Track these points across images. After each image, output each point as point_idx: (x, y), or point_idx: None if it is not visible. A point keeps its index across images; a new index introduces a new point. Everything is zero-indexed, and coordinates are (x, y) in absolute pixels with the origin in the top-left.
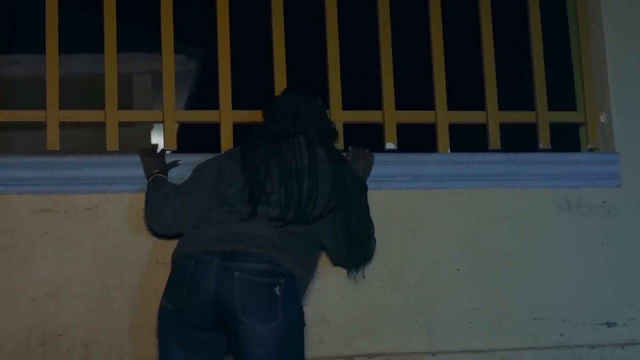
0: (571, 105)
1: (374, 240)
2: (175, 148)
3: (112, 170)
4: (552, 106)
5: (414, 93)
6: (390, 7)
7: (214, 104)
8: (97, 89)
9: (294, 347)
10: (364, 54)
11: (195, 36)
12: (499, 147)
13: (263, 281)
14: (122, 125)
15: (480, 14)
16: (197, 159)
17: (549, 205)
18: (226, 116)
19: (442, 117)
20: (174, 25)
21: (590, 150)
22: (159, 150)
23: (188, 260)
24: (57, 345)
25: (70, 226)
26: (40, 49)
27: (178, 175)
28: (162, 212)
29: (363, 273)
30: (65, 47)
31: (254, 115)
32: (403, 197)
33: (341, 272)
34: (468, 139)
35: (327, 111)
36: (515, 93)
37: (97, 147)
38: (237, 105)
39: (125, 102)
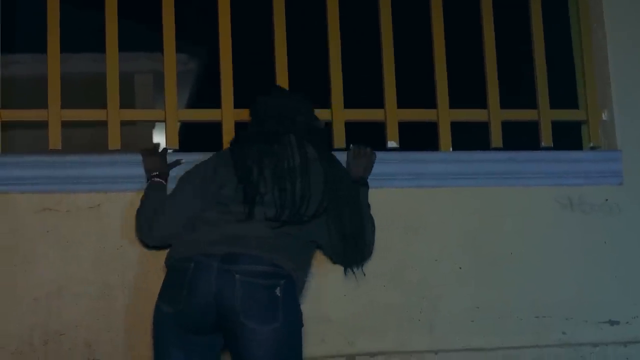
0: (573, 104)
1: (372, 238)
2: (177, 147)
3: (114, 169)
4: (554, 104)
5: (415, 91)
6: (392, 5)
7: (215, 103)
8: (99, 88)
9: (294, 348)
10: (366, 52)
11: (196, 35)
12: (501, 145)
13: (264, 283)
14: (124, 124)
15: (482, 12)
16: (199, 157)
17: (551, 204)
18: (228, 115)
19: (444, 115)
20: (176, 24)
21: (592, 148)
22: (160, 149)
23: (187, 264)
24: (59, 344)
25: (72, 225)
26: (41, 48)
27: (179, 175)
28: (151, 228)
29: (363, 271)
30: (66, 46)
31: None
32: (405, 196)
33: (342, 270)
34: (470, 137)
35: (314, 109)
36: (517, 92)
37: (98, 146)
38: (238, 104)
39: (126, 102)
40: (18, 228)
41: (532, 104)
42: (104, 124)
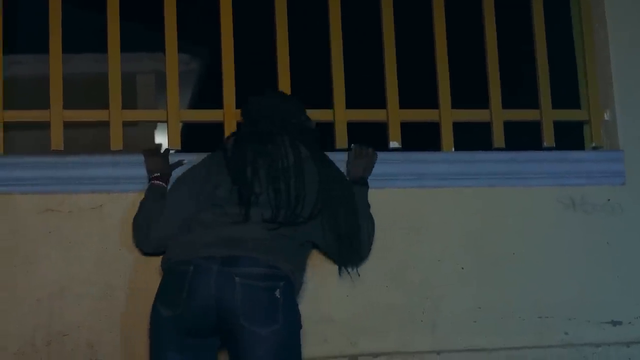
0: (575, 104)
1: (368, 237)
2: (179, 147)
3: (116, 170)
4: (556, 104)
5: (417, 92)
6: (394, 6)
7: (217, 103)
8: (100, 88)
9: (293, 349)
10: (368, 52)
11: (198, 35)
12: (503, 145)
13: (263, 285)
14: (126, 125)
15: (483, 12)
16: (201, 158)
17: (553, 204)
18: (230, 115)
19: (446, 115)
20: (178, 24)
21: (595, 148)
22: (162, 150)
23: (186, 266)
24: (62, 345)
25: (75, 226)
26: (43, 49)
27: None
28: (148, 232)
29: (357, 272)
30: (68, 47)
31: None
32: (407, 196)
33: (344, 271)
34: (472, 138)
35: (305, 110)
36: (518, 92)
37: (100, 147)
38: (240, 104)
39: (128, 102)
40: (20, 229)
41: (533, 104)
42: (106, 124)
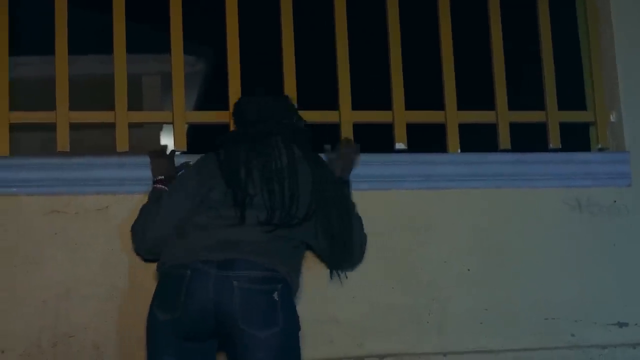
0: (581, 105)
1: (361, 237)
2: (185, 149)
3: (122, 171)
4: (562, 106)
5: (423, 93)
6: (400, 7)
7: (223, 105)
8: (106, 90)
9: (293, 351)
10: (374, 54)
11: (204, 37)
12: (509, 147)
13: (262, 288)
14: (131, 126)
15: (489, 13)
16: None
17: (559, 205)
18: None
19: (452, 117)
20: (183, 25)
21: (601, 149)
22: (168, 151)
23: (183, 270)
24: (68, 346)
25: (81, 227)
26: (48, 50)
27: None
28: (144, 232)
29: (346, 275)
30: (73, 48)
31: None
32: (413, 197)
33: (352, 272)
34: (478, 139)
35: (297, 110)
36: (524, 93)
37: (106, 148)
38: None
39: (134, 103)
40: (26, 230)
41: (536, 105)
42: (111, 126)
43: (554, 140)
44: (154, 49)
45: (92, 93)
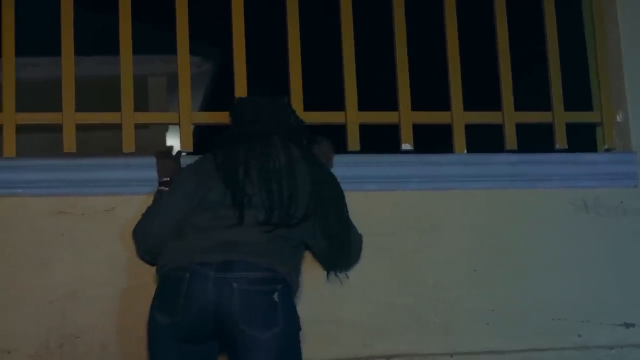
0: (587, 105)
1: (357, 238)
2: (191, 150)
3: (128, 172)
4: (568, 106)
5: (429, 94)
6: (406, 7)
7: (229, 106)
8: (111, 91)
9: (294, 352)
10: (380, 54)
11: (210, 38)
12: (515, 147)
13: (262, 289)
14: (137, 127)
15: (495, 14)
16: None
17: (566, 206)
18: None
19: (458, 117)
20: (189, 26)
21: (607, 150)
22: (174, 152)
23: (182, 273)
24: (75, 347)
25: (87, 228)
26: (54, 51)
27: None
28: (142, 241)
29: (346, 275)
30: (79, 49)
31: None
32: (420, 198)
33: (358, 272)
34: (484, 140)
35: (294, 110)
36: (528, 93)
37: (112, 149)
38: None
39: (140, 104)
40: (33, 231)
41: (541, 106)
42: (117, 126)
43: (560, 140)
44: (160, 50)
45: (98, 94)
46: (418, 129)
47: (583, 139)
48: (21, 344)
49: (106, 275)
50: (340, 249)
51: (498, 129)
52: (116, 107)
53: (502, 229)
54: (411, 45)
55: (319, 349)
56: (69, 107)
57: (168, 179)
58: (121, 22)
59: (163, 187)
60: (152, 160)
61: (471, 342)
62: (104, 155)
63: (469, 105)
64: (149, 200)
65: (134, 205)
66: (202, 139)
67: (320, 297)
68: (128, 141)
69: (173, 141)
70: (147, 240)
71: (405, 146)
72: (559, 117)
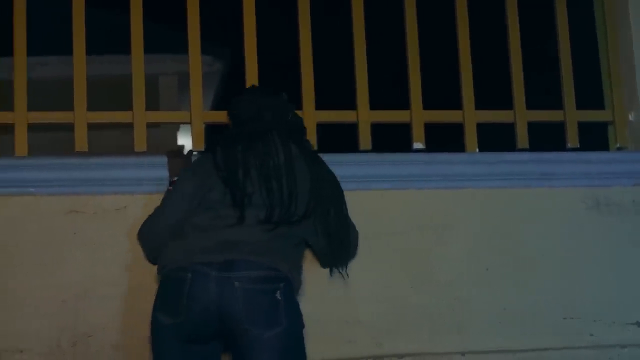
0: (599, 104)
1: (355, 235)
2: (202, 149)
3: (140, 171)
4: (580, 105)
5: (441, 93)
6: (418, 6)
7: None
8: (122, 90)
9: (298, 349)
10: (391, 53)
11: (221, 37)
12: (527, 146)
13: (264, 288)
14: (148, 126)
15: (507, 13)
16: None
17: (578, 205)
18: None
19: (470, 116)
20: (201, 26)
21: (619, 149)
22: (185, 151)
23: (184, 273)
24: (87, 346)
25: (99, 227)
26: (64, 50)
27: None
28: (146, 239)
29: (347, 272)
30: (90, 48)
31: None
32: (431, 197)
33: (371, 271)
34: (496, 138)
35: (293, 107)
36: (539, 92)
37: (123, 148)
38: None
39: (150, 104)
40: (45, 230)
41: (556, 105)
42: (128, 126)
43: (572, 139)
44: (171, 49)
45: (109, 93)
46: (430, 128)
47: (595, 138)
48: (34, 343)
49: (118, 274)
50: (340, 247)
51: (510, 128)
52: (127, 106)
53: (514, 228)
54: (423, 44)
55: (332, 348)
56: (80, 106)
57: (177, 178)
58: (132, 21)
59: (172, 187)
60: (163, 159)
61: (483, 341)
62: (115, 154)
63: (480, 104)
64: (160, 200)
65: (146, 204)
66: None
67: (332, 297)
68: (140, 140)
69: (184, 140)
70: (149, 240)
71: (417, 145)
72: (571, 116)
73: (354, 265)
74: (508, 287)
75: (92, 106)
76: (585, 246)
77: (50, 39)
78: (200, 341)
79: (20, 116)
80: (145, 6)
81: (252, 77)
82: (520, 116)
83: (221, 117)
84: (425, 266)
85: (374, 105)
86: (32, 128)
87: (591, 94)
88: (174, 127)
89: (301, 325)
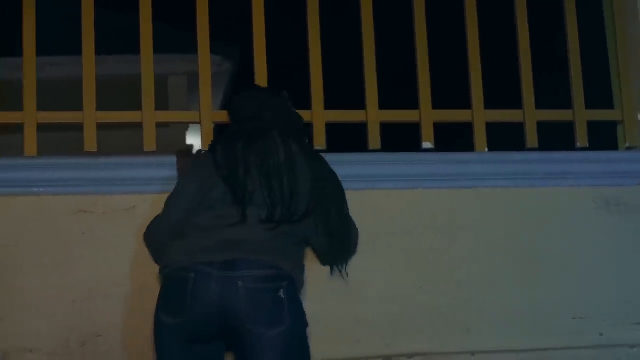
0: (608, 104)
1: (356, 234)
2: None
3: (149, 171)
4: (590, 104)
5: (450, 92)
6: (427, 6)
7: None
8: (132, 90)
9: (302, 348)
10: (400, 53)
11: (230, 37)
12: (536, 145)
13: (267, 287)
14: (158, 126)
15: (516, 12)
16: None
17: (587, 204)
18: None
19: (479, 116)
20: (210, 26)
21: (628, 148)
22: (194, 151)
23: (186, 273)
24: (96, 346)
25: (108, 227)
26: (73, 50)
27: None
28: (151, 238)
29: (346, 271)
30: (100, 48)
31: None
32: (440, 197)
33: (379, 271)
34: (505, 138)
35: (293, 105)
36: (549, 91)
37: (133, 148)
38: None
39: (160, 104)
40: (54, 230)
41: (565, 104)
42: (137, 125)
43: (581, 139)
44: (180, 49)
45: (118, 93)
46: (439, 128)
47: (604, 137)
48: (43, 342)
49: (127, 274)
50: (341, 246)
51: (519, 128)
52: (137, 106)
53: (523, 228)
54: (432, 44)
55: (340, 348)
56: (89, 106)
57: None
58: (142, 21)
59: None
60: (173, 159)
61: (492, 341)
62: (124, 154)
63: (489, 104)
64: None
65: (155, 204)
66: None
67: (341, 297)
68: (149, 140)
69: (193, 140)
70: (152, 241)
71: (426, 145)
72: (580, 116)
73: (361, 264)
74: (517, 287)
75: (101, 106)
76: (594, 246)
77: (59, 39)
78: (203, 341)
79: (30, 116)
80: (155, 6)
81: (261, 77)
82: (530, 116)
83: None
84: (434, 266)
85: (383, 105)
86: (42, 128)
87: (600, 93)
88: (183, 127)
89: (305, 324)
